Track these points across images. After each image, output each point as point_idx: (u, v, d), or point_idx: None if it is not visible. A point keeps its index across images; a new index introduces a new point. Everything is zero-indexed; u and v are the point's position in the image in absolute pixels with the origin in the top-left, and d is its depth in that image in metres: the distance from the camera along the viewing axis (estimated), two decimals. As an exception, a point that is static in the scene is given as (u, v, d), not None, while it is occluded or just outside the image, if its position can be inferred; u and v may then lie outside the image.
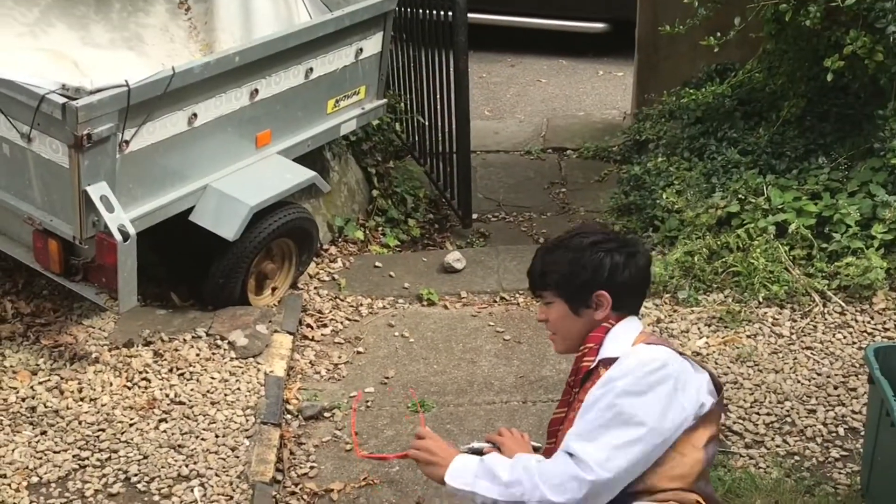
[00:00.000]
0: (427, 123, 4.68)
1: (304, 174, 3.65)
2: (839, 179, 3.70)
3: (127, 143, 3.08)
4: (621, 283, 2.09)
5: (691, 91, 4.28)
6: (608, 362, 2.04)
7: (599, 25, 6.23)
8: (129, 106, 2.99)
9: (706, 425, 1.99)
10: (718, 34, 3.69)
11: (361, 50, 3.84)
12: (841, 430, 2.94)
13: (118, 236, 2.99)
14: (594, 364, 2.09)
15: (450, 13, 4.14)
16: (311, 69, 3.65)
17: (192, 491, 2.71)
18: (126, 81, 2.97)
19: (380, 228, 4.44)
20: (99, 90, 2.94)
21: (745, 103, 4.24)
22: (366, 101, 4.04)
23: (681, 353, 2.05)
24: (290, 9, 3.85)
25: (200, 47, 3.83)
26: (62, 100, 2.87)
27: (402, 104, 4.87)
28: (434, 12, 4.32)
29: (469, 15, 4.15)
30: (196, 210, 3.39)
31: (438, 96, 4.50)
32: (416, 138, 4.85)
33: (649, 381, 1.95)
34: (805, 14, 3.24)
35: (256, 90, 3.46)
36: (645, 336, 2.09)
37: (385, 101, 4.19)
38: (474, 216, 4.60)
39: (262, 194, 3.46)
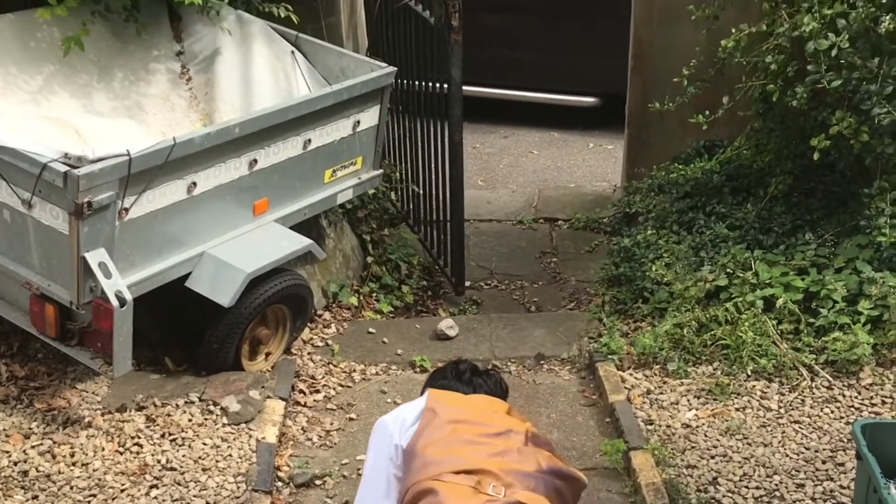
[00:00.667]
0: (421, 192, 4.75)
1: (301, 242, 3.70)
2: (826, 255, 3.76)
3: (126, 210, 3.13)
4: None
5: (680, 166, 4.36)
6: None
7: (590, 100, 6.34)
8: (129, 175, 3.05)
9: None
10: (707, 112, 3.77)
11: (359, 122, 3.92)
12: (829, 505, 2.97)
13: (115, 302, 3.02)
14: None
15: (446, 86, 4.23)
16: (310, 140, 3.72)
17: (182, 558, 2.72)
18: (127, 151, 3.03)
19: (374, 295, 4.48)
20: (100, 159, 2.99)
21: (733, 179, 4.32)
22: (362, 171, 4.11)
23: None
24: (290, 81, 3.93)
25: (200, 117, 3.90)
26: (64, 168, 2.93)
27: (398, 173, 4.95)
28: (430, 85, 4.42)
29: (464, 88, 4.24)
30: (193, 276, 3.43)
31: (433, 166, 4.57)
32: (411, 206, 4.92)
33: None
34: (792, 95, 3.33)
35: (255, 160, 3.52)
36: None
37: (381, 171, 4.26)
38: (467, 284, 4.65)
39: (259, 261, 3.51)
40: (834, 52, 3.05)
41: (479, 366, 2.49)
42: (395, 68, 4.01)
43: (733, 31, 3.47)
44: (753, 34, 3.45)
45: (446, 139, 4.37)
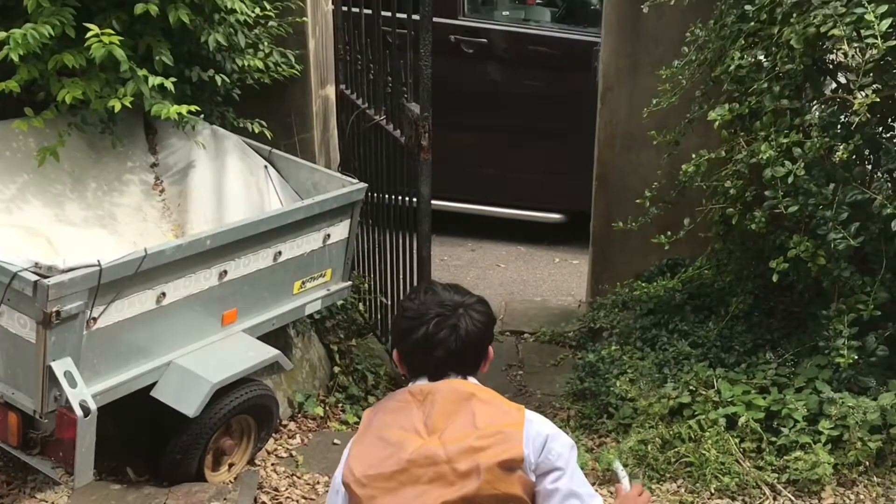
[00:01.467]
0: (389, 303, 4.79)
1: (268, 352, 3.71)
2: (786, 375, 3.83)
3: (95, 319, 3.14)
4: (404, 350, 2.14)
5: (643, 284, 4.44)
6: None
7: (556, 216, 6.46)
8: (99, 285, 3.07)
9: None
10: (669, 233, 3.87)
11: (329, 236, 3.97)
12: None
13: (79, 412, 3.00)
14: None
15: (415, 200, 4.31)
16: (280, 252, 3.77)
17: None
18: (98, 261, 3.06)
19: (340, 405, 4.47)
20: (71, 269, 3.02)
21: (695, 297, 4.41)
22: (331, 283, 4.15)
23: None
24: (262, 195, 4.00)
25: (172, 227, 3.94)
26: (34, 278, 2.94)
27: (366, 284, 4.99)
28: (400, 200, 4.50)
29: (433, 202, 4.32)
30: (158, 385, 3.41)
31: (401, 278, 4.62)
32: (379, 317, 4.95)
33: None
34: (751, 219, 3.43)
35: (225, 271, 3.56)
36: (372, 411, 2.14)
37: (350, 283, 4.30)
38: (433, 396, 4.64)
39: (225, 372, 3.51)
40: (790, 179, 3.16)
41: (445, 296, 2.15)
42: (366, 184, 4.09)
43: (693, 156, 3.58)
44: (713, 160, 3.57)
45: (414, 252, 4.44)
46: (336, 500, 2.06)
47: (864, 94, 2.83)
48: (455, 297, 2.14)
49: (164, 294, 3.35)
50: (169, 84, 3.54)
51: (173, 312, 3.43)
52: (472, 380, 2.13)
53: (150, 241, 3.70)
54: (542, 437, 2.02)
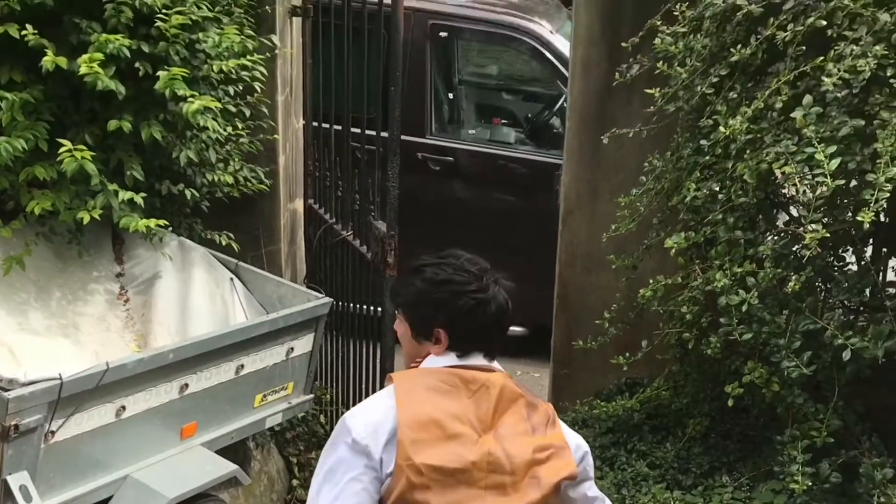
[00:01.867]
0: (350, 416, 4.78)
1: (226, 467, 3.69)
2: (742, 499, 3.84)
3: (53, 433, 3.13)
4: (462, 328, 2.07)
5: (602, 403, 4.48)
6: None
7: (519, 329, 6.50)
8: (59, 398, 3.07)
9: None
10: (627, 354, 3.93)
11: (292, 349, 4.00)
12: None
13: (32, 527, 2.98)
14: None
15: (379, 309, 4.36)
16: (243, 366, 3.78)
17: None
18: (59, 374, 3.07)
19: (297, 520, 4.44)
20: (32, 382, 3.02)
21: (653, 417, 4.44)
22: (293, 396, 4.15)
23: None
24: (227, 308, 4.03)
25: (135, 338, 3.95)
26: (-6, 390, 2.95)
27: (328, 395, 4.99)
28: (364, 312, 4.55)
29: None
30: (114, 500, 3.38)
31: (364, 388, 4.64)
32: (339, 431, 4.93)
33: (332, 442, 2.04)
34: (706, 344, 3.49)
35: (187, 384, 3.56)
36: (411, 382, 2.06)
37: (312, 395, 4.30)
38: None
39: (182, 487, 3.48)
40: (744, 308, 3.23)
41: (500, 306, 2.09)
42: (331, 299, 4.14)
43: (651, 281, 3.67)
44: (669, 285, 3.65)
45: (377, 365, 4.46)
46: (356, 461, 1.99)
47: (814, 228, 2.92)
48: (482, 263, 2.16)
49: (123, 407, 3.35)
50: (139, 199, 3.60)
51: (132, 426, 3.42)
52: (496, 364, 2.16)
53: (113, 352, 3.71)
54: (581, 450, 2.20)
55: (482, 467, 1.99)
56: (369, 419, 2.02)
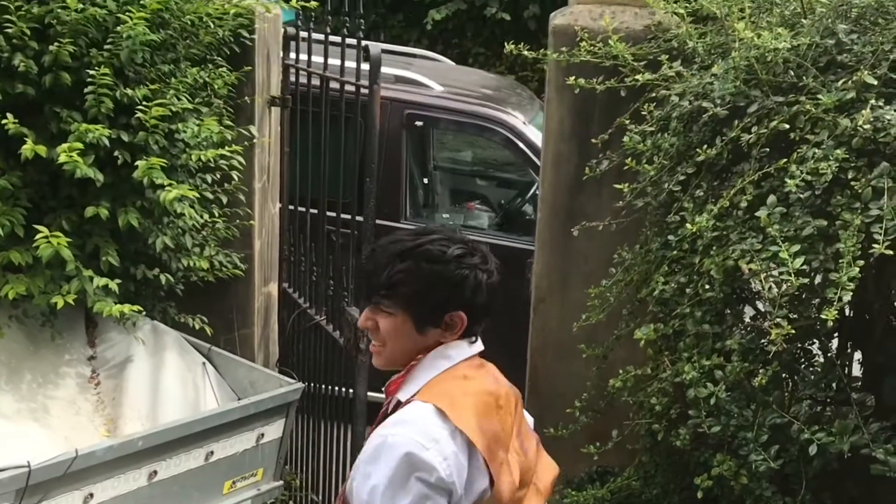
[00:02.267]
0: (320, 501, 4.75)
1: (193, 556, 3.66)
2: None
3: (19, 521, 3.10)
4: (480, 305, 1.94)
5: (573, 492, 4.47)
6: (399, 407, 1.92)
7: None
8: (27, 486, 3.05)
9: None
10: (598, 443, 3.95)
11: (263, 435, 3.99)
12: None
13: None
14: (393, 401, 1.97)
15: (351, 394, 4.36)
16: (212, 452, 3.76)
17: None
18: (28, 462, 3.05)
19: None
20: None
21: (623, 508, 4.45)
22: (262, 482, 4.13)
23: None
24: (199, 393, 4.02)
25: (105, 422, 3.93)
26: (-39, 479, 2.93)
27: (297, 481, 4.96)
28: (336, 396, 4.56)
29: (370, 394, 4.34)
30: (77, 591, 3.34)
31: (334, 474, 4.62)
32: (308, 517, 4.90)
33: (397, 476, 1.82)
34: (675, 435, 3.52)
35: (156, 471, 3.54)
36: (447, 381, 1.92)
37: (281, 482, 4.27)
38: None
39: (149, 577, 3.45)
40: (712, 401, 3.26)
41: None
42: (303, 385, 4.15)
43: (621, 371, 3.71)
44: (639, 376, 3.69)
45: (349, 449, 4.45)
46: (440, 501, 1.86)
47: (780, 324, 2.97)
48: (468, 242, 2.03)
49: (91, 495, 3.32)
50: (114, 285, 3.62)
51: (99, 514, 3.40)
52: None
53: (83, 436, 3.70)
54: None
55: (528, 477, 2.03)
56: (446, 451, 1.87)
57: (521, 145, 6.10)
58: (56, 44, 3.60)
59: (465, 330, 1.96)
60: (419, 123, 6.29)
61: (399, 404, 1.95)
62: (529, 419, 2.28)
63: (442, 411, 1.88)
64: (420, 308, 1.93)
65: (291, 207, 4.96)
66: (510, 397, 2.09)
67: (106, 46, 3.70)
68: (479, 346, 2.05)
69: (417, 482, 1.83)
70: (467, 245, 1.98)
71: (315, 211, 4.69)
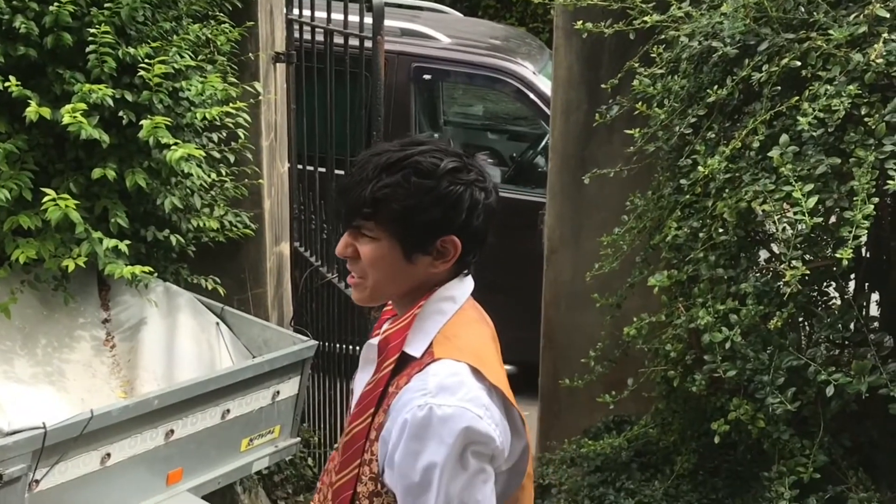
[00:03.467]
0: (338, 459, 4.77)
1: (213, 513, 3.69)
2: (732, 539, 3.84)
3: (37, 482, 3.11)
4: (476, 229, 1.73)
5: (590, 441, 4.47)
6: (414, 363, 1.71)
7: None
8: (43, 447, 3.06)
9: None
10: (613, 392, 3.93)
11: (278, 392, 3.99)
12: None
13: (16, 580, 2.96)
14: (398, 356, 1.74)
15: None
16: (228, 410, 3.77)
17: None
18: (43, 423, 3.06)
19: (285, 566, 4.41)
20: (15, 431, 3.02)
21: (641, 455, 4.43)
22: (280, 439, 4.14)
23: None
24: (213, 352, 4.03)
25: (121, 384, 3.94)
26: (-23, 440, 2.94)
27: (316, 438, 4.98)
28: (351, 351, 4.56)
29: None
30: (97, 549, 3.37)
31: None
32: (327, 474, 4.92)
33: (456, 454, 1.64)
34: (691, 381, 3.50)
35: (172, 430, 3.55)
36: (460, 327, 1.74)
37: (298, 439, 4.29)
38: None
39: (168, 534, 3.48)
40: (728, 345, 3.24)
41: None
42: (316, 342, 4.14)
43: (635, 319, 3.68)
44: (653, 323, 3.66)
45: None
46: (490, 470, 1.73)
47: (794, 266, 2.94)
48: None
49: (108, 455, 3.34)
50: (123, 246, 3.61)
51: (117, 473, 3.41)
52: None
53: (99, 399, 3.71)
54: None
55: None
56: (496, 416, 1.72)
57: (532, 96, 6.04)
58: (56, 4, 3.56)
59: (458, 259, 1.74)
60: (427, 77, 6.24)
61: (410, 360, 1.73)
62: None
63: (477, 370, 1.71)
64: (409, 230, 1.68)
65: (300, 167, 4.94)
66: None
67: (106, 5, 3.66)
68: (471, 281, 1.84)
69: (473, 456, 1.67)
70: (462, 159, 1.71)
71: (324, 169, 4.66)
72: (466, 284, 1.82)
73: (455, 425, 1.65)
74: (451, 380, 1.69)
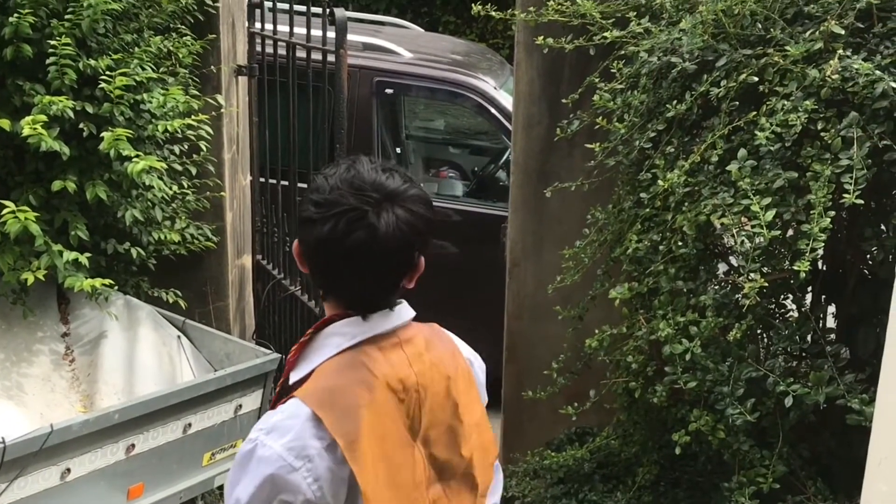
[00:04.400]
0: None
1: (174, 529, 3.65)
2: (693, 550, 3.87)
3: (-4, 498, 3.08)
4: (328, 265, 1.66)
5: (553, 453, 4.49)
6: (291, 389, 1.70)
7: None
8: (2, 462, 3.02)
9: None
10: (576, 403, 3.96)
11: (241, 406, 3.97)
12: None
13: None
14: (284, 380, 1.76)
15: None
16: (190, 424, 3.75)
17: None
18: (2, 438, 3.03)
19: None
20: (-26, 446, 2.98)
21: (603, 466, 4.46)
22: (241, 454, 4.12)
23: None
24: (174, 366, 4.00)
25: (81, 398, 3.90)
26: (-64, 456, 2.90)
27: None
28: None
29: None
30: (58, 566, 3.33)
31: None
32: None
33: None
34: (653, 392, 3.53)
35: (133, 445, 3.52)
36: (336, 370, 1.67)
37: (260, 453, 4.26)
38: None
39: (127, 551, 3.44)
40: (688, 356, 3.27)
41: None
42: (279, 355, 4.13)
43: (597, 331, 3.71)
44: (615, 335, 3.69)
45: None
46: None
47: (753, 278, 2.98)
48: (387, 181, 1.66)
49: (68, 470, 3.30)
50: (83, 259, 3.58)
51: (77, 488, 3.37)
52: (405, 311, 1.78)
53: (58, 413, 3.67)
54: None
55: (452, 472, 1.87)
56: (319, 470, 1.72)
57: (493, 110, 6.07)
58: (16, 15, 3.54)
59: (352, 301, 1.69)
60: (389, 91, 6.25)
61: (287, 388, 1.74)
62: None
63: (319, 419, 1.66)
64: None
65: (262, 180, 4.93)
66: (434, 382, 1.79)
67: (67, 16, 3.65)
68: (397, 318, 1.76)
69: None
70: (346, 197, 1.62)
71: (286, 182, 4.65)
72: (377, 323, 1.73)
73: (265, 469, 1.67)
74: (286, 422, 1.69)
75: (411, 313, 1.81)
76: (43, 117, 3.47)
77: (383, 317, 1.73)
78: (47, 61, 3.60)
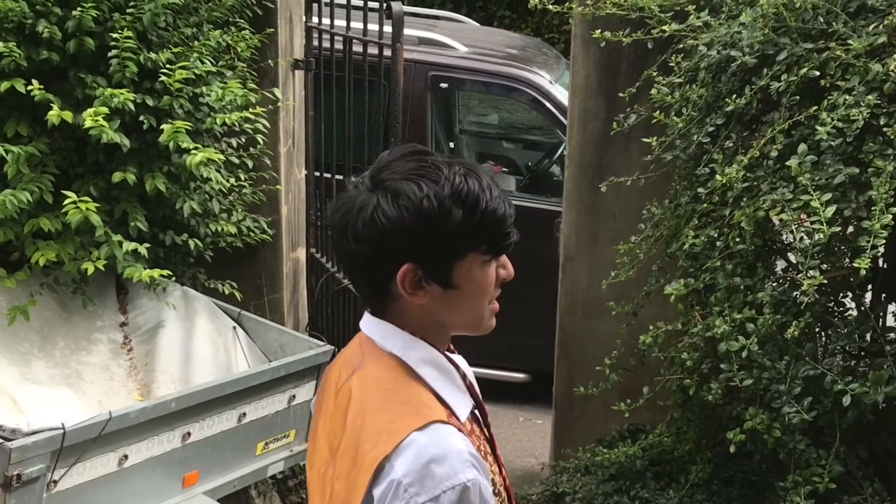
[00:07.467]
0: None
1: (228, 516, 3.70)
2: (746, 548, 3.84)
3: (55, 482, 3.13)
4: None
5: (604, 450, 4.48)
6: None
7: (521, 375, 6.51)
8: (62, 448, 3.08)
9: None
10: (629, 400, 3.94)
11: (294, 396, 4.01)
12: None
13: (33, 580, 2.97)
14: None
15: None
16: (245, 414, 3.79)
17: None
18: (62, 424, 3.08)
19: (299, 570, 4.41)
20: (34, 432, 3.04)
21: (655, 464, 4.43)
22: (295, 443, 4.16)
23: None
24: (230, 356, 4.04)
25: (138, 387, 3.96)
26: (-3, 440, 2.97)
27: (329, 444, 4.99)
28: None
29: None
30: (115, 551, 3.39)
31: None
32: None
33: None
34: (707, 390, 3.50)
35: (189, 433, 3.57)
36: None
37: (313, 444, 4.29)
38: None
39: (184, 536, 3.49)
40: (744, 354, 3.24)
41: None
42: (332, 347, 4.15)
43: (651, 327, 3.68)
44: (670, 331, 3.66)
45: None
46: None
47: (812, 275, 2.94)
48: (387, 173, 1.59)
49: (126, 456, 3.36)
50: (142, 250, 3.64)
51: (134, 475, 3.43)
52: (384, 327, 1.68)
53: (116, 401, 3.73)
54: None
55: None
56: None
57: (548, 105, 6.05)
58: (79, 9, 3.60)
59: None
60: (444, 85, 6.25)
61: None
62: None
63: None
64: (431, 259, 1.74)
65: (317, 174, 4.96)
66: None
67: (128, 10, 3.70)
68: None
69: None
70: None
71: (341, 176, 4.68)
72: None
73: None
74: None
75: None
76: (104, 109, 3.52)
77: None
78: (109, 54, 3.65)
